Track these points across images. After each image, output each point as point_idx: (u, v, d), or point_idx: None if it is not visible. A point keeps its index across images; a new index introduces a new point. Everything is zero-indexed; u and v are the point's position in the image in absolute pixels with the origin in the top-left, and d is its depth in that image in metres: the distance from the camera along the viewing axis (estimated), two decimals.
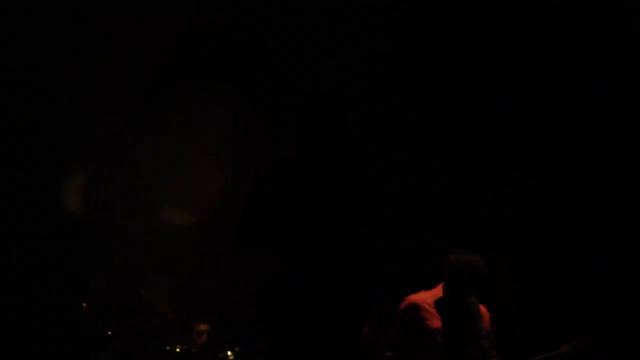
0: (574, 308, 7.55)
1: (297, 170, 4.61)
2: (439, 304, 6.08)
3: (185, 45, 8.13)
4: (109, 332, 6.78)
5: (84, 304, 6.74)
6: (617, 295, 7.64)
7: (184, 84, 8.14)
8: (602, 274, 7.73)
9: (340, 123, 4.68)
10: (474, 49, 8.11)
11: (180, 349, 6.83)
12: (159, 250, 7.98)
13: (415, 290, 6.21)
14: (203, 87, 8.15)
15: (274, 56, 8.23)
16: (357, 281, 4.62)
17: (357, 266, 4.60)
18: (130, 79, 7.92)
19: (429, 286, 6.16)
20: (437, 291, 6.17)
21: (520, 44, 8.03)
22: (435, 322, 6.01)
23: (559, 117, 8.03)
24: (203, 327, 7.54)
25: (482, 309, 6.14)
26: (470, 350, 5.98)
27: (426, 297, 6.13)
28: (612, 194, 7.93)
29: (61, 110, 7.81)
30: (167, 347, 6.81)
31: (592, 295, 7.66)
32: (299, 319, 4.49)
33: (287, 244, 4.54)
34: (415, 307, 6.09)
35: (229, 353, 6.91)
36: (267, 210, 4.57)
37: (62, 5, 7.79)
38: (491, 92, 8.13)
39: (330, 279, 4.53)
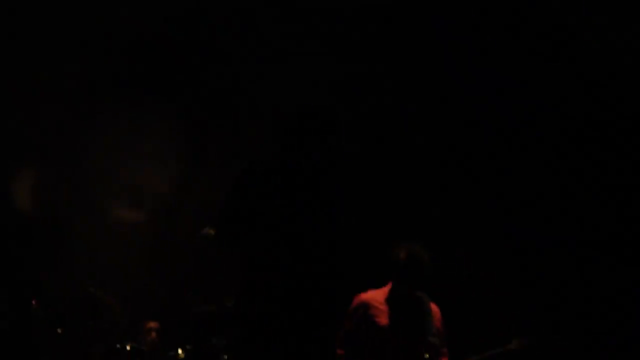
0: (523, 305, 7.60)
1: (281, 174, 4.63)
2: (389, 301, 6.08)
3: (135, 46, 8.06)
4: (59, 331, 6.69)
5: (34, 302, 6.64)
6: (564, 293, 7.72)
7: (133, 84, 8.08)
8: (549, 272, 7.80)
9: (332, 138, 4.71)
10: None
11: (130, 347, 6.75)
12: (109, 249, 7.91)
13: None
14: (153, 87, 8.10)
15: (222, 56, 8.21)
16: (330, 280, 4.66)
17: (330, 266, 4.65)
18: (78, 79, 7.86)
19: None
20: (388, 289, 6.17)
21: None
22: (385, 320, 6.02)
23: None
24: (152, 324, 7.48)
25: (433, 307, 6.17)
26: (419, 347, 5.99)
27: (376, 295, 6.16)
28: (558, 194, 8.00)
29: (9, 110, 7.72)
30: (118, 345, 6.73)
31: (540, 293, 7.72)
32: (275, 316, 4.52)
33: (266, 243, 4.57)
34: (366, 305, 6.12)
35: (180, 351, 6.84)
36: (249, 208, 4.58)
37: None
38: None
39: (305, 277, 4.56)
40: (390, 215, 8.01)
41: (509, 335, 5.86)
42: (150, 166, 8.04)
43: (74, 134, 8.00)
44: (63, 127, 8.00)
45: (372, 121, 8.18)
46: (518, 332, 5.87)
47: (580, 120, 8.03)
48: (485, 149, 8.24)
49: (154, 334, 7.43)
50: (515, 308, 7.61)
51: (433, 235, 7.40)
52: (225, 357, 6.84)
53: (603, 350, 7.54)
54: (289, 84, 7.95)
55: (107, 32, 7.99)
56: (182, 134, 8.13)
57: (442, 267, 6.53)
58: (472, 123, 8.21)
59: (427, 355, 6.00)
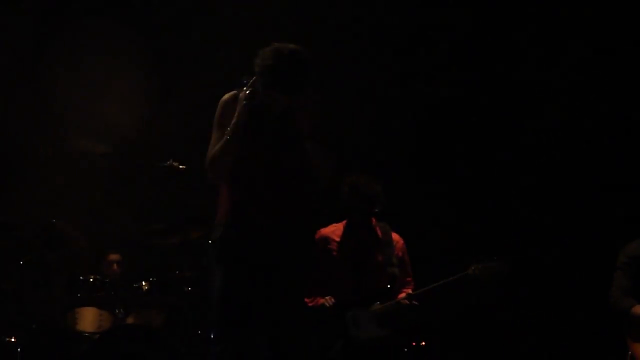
0: (482, 232, 7.71)
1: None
2: (345, 233, 6.13)
3: None
4: (22, 262, 6.69)
5: None
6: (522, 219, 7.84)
7: (100, 16, 8.01)
8: (508, 201, 7.91)
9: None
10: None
11: (93, 279, 6.76)
12: (71, 180, 7.89)
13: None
14: (119, 20, 8.04)
15: None
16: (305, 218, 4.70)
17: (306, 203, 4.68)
18: (37, 6, 7.78)
19: None
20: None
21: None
22: (343, 252, 6.09)
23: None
24: (114, 256, 7.49)
25: (395, 237, 6.24)
26: (380, 278, 6.04)
27: (336, 229, 6.24)
28: None
29: None
30: (81, 277, 6.74)
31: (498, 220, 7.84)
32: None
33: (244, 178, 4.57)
34: (326, 239, 6.21)
35: (144, 283, 6.85)
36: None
37: None
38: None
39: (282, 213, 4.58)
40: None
41: (467, 261, 5.92)
42: (116, 98, 8.01)
43: (39, 65, 7.94)
44: (27, 57, 7.93)
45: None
46: (476, 258, 5.93)
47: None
48: None
49: (115, 266, 7.45)
50: (473, 235, 7.73)
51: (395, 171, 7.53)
52: (189, 289, 6.88)
53: (560, 277, 7.68)
54: (257, 21, 7.90)
55: None
56: (148, 67, 8.09)
57: (404, 199, 6.60)
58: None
59: (388, 286, 6.07)
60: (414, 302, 5.97)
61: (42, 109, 7.95)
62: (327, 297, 6.03)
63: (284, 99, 4.56)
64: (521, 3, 7.98)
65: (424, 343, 7.24)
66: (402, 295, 6.05)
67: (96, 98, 7.98)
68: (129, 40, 7.93)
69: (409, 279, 6.26)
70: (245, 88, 4.57)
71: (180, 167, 6.86)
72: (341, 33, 8.03)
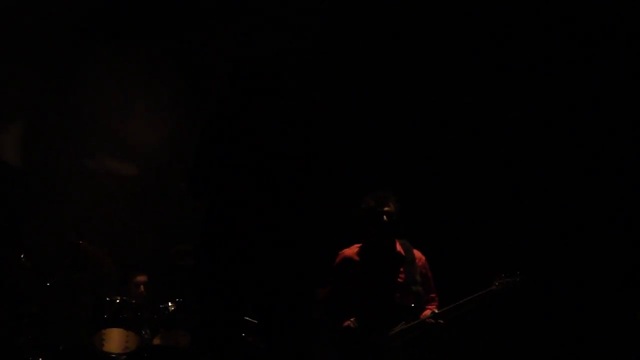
0: (504, 247, 7.69)
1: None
2: (367, 252, 6.12)
3: None
4: (48, 284, 6.77)
5: (22, 256, 6.72)
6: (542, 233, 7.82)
7: (129, 36, 8.13)
8: (530, 216, 7.89)
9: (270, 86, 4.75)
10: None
11: (120, 300, 6.83)
12: (97, 201, 7.97)
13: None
14: (148, 41, 8.14)
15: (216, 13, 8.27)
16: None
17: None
18: (65, 28, 7.90)
19: None
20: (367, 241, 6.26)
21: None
22: (368, 273, 6.08)
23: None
24: (141, 278, 7.55)
25: (417, 254, 6.22)
26: (404, 296, 6.03)
27: (358, 249, 6.25)
28: None
29: None
30: (107, 298, 6.81)
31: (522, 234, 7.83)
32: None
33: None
34: (348, 261, 6.16)
35: (170, 304, 6.92)
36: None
37: None
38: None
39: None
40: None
41: (491, 277, 5.92)
42: (143, 120, 8.10)
43: (67, 84, 8.06)
44: (55, 76, 8.05)
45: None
46: (500, 273, 5.94)
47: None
48: None
49: (142, 288, 7.50)
50: (497, 250, 7.71)
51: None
52: None
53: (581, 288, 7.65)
54: (280, 42, 7.97)
55: None
56: (176, 89, 8.18)
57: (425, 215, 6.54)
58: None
59: (412, 305, 6.05)
60: (440, 321, 5.97)
61: (70, 131, 8.06)
62: (351, 319, 6.02)
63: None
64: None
65: None
66: (427, 313, 6.05)
67: (123, 119, 8.09)
68: (157, 62, 8.04)
69: (433, 294, 6.26)
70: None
71: None
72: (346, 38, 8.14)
